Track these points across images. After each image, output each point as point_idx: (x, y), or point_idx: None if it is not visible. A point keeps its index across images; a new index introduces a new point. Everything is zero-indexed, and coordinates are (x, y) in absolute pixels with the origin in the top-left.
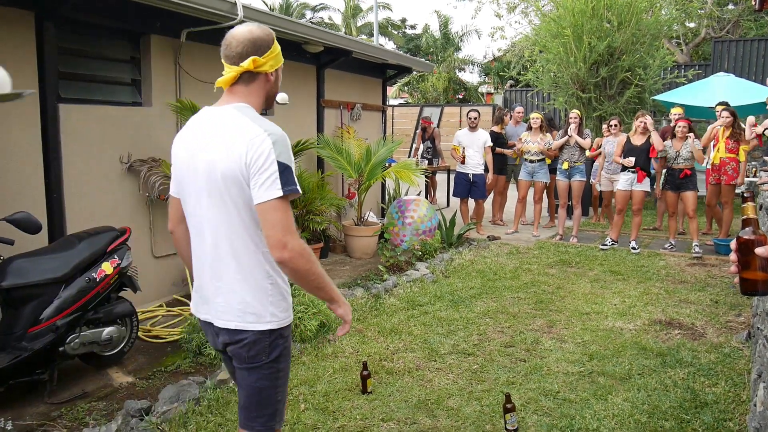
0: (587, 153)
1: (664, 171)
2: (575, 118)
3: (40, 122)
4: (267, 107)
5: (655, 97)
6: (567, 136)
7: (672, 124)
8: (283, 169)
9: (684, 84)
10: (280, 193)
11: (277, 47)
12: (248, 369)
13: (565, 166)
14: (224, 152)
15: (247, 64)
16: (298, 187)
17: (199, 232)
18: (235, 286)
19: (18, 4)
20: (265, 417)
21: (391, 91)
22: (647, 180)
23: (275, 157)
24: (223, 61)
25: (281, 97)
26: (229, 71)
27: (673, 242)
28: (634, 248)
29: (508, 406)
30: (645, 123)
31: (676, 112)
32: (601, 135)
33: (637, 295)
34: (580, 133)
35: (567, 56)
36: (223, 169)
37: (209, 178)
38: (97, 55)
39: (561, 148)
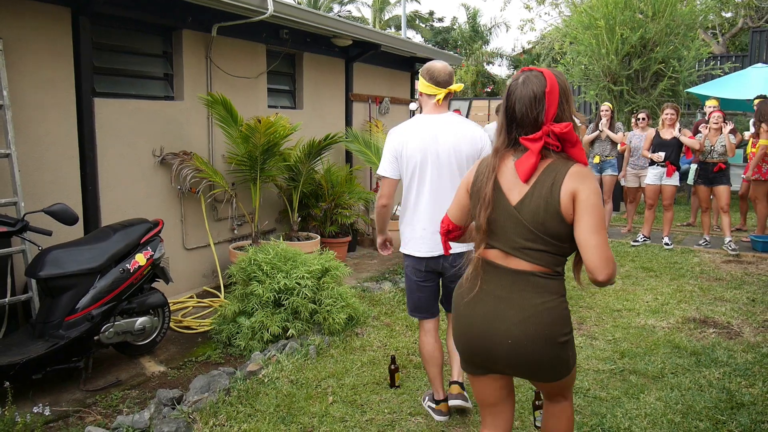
0: (619, 147)
1: (696, 165)
2: (606, 111)
3: (75, 116)
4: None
5: (690, 90)
6: (598, 130)
7: (707, 117)
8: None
9: (720, 76)
10: None
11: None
12: (456, 279)
13: (597, 160)
14: (466, 142)
15: (455, 87)
16: None
17: (437, 197)
18: None
19: (55, 0)
20: None
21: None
22: (677, 174)
23: (490, 145)
24: (432, 84)
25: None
26: (443, 92)
27: (707, 238)
28: (667, 244)
29: (538, 402)
30: (670, 115)
31: (710, 104)
32: (631, 129)
33: (670, 292)
34: (611, 127)
35: (599, 48)
36: (467, 152)
37: (454, 157)
38: (131, 50)
39: (592, 142)
